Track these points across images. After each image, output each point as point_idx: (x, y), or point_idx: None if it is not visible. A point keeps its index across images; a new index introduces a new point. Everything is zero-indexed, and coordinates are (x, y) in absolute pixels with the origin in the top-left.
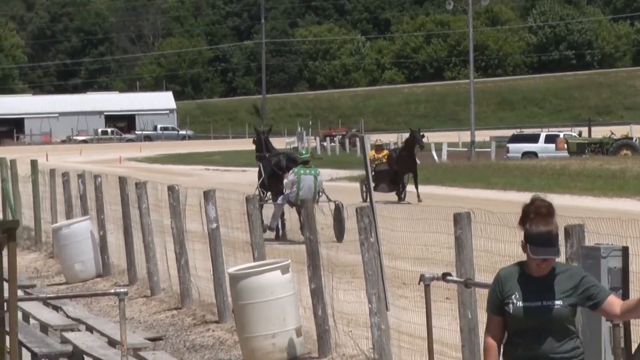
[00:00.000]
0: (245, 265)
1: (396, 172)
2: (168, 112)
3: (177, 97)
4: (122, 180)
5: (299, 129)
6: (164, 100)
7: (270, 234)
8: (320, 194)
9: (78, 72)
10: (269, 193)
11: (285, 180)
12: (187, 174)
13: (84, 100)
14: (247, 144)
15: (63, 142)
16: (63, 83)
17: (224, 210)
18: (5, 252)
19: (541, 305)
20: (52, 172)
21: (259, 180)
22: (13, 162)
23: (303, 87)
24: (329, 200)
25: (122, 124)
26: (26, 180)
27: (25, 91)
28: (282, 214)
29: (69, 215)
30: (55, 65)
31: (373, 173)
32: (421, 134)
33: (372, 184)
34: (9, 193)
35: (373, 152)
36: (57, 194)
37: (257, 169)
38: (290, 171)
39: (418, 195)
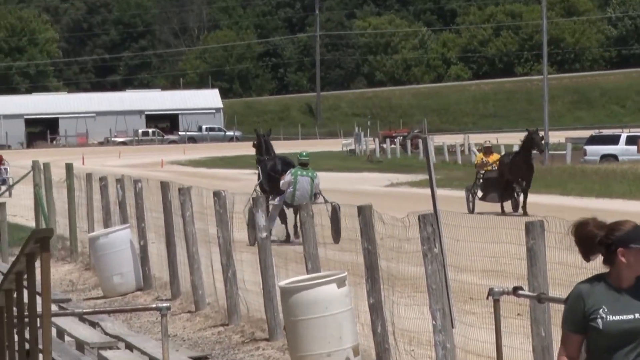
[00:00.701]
0: (298, 278)
1: (507, 181)
2: (214, 111)
3: (224, 95)
4: (164, 186)
5: (356, 130)
6: (210, 98)
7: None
8: (318, 196)
9: (117, 68)
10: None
11: (282, 181)
12: (234, 178)
13: (123, 98)
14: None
15: (100, 144)
16: (101, 80)
17: None
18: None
19: (634, 319)
20: (89, 176)
21: (257, 182)
22: (47, 165)
23: (361, 84)
24: (326, 202)
25: (164, 125)
26: (61, 185)
27: (59, 89)
28: (285, 216)
29: (106, 223)
30: (92, 60)
31: (481, 180)
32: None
33: (435, 192)
34: (42, 199)
35: (481, 155)
36: (94, 201)
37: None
38: (288, 171)
39: (524, 207)
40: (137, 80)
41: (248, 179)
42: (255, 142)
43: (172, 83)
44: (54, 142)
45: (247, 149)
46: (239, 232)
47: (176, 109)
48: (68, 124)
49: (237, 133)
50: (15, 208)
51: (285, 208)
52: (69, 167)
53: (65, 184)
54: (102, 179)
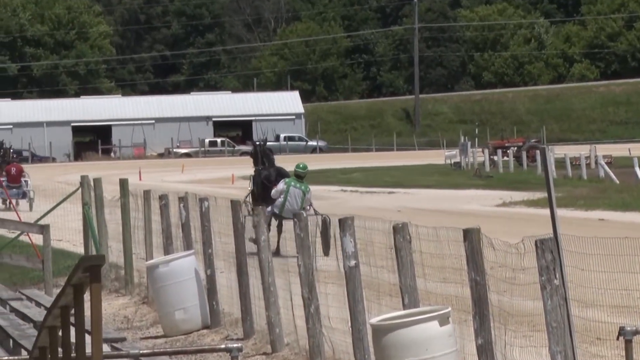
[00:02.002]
0: (392, 315)
1: None
2: (294, 117)
3: (306, 98)
4: (235, 205)
5: (462, 139)
6: (289, 102)
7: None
8: (308, 208)
9: (180, 67)
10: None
11: (274, 189)
12: (318, 196)
13: (187, 102)
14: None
15: (160, 155)
16: (160, 81)
17: (365, 243)
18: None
19: None
20: (147, 194)
21: (248, 193)
22: (97, 181)
23: (467, 86)
24: (317, 214)
25: (235, 133)
26: (114, 204)
27: (113, 91)
28: (281, 228)
29: (167, 249)
30: (150, 58)
31: None
32: None
33: (555, 213)
34: (92, 221)
35: None
36: (153, 223)
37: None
38: (282, 180)
39: None
40: (203, 81)
41: (335, 197)
42: (251, 152)
43: (245, 84)
44: (106, 154)
45: (333, 161)
46: (324, 259)
47: (249, 114)
48: (122, 132)
49: (322, 143)
50: (60, 231)
51: (277, 218)
52: (123, 183)
53: (119, 203)
54: (162, 197)
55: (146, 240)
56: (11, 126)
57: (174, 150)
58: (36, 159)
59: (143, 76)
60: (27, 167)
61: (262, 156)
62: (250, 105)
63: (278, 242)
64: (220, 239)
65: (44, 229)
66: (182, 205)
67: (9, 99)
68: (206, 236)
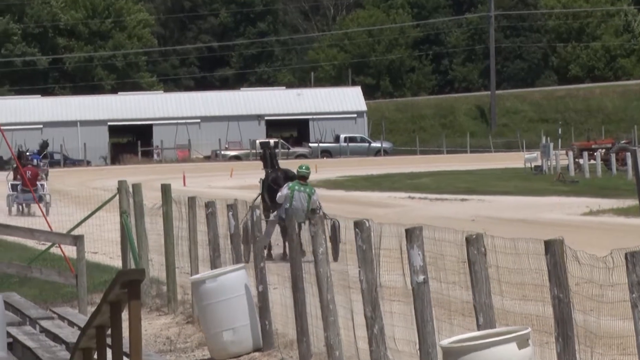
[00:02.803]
0: (465, 336)
1: None
2: (355, 115)
3: (369, 94)
4: (290, 215)
5: (544, 140)
6: (350, 98)
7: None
8: (319, 211)
9: (228, 59)
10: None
11: (279, 194)
12: (382, 204)
13: (237, 99)
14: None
15: (207, 158)
16: (207, 75)
17: (435, 256)
18: (125, 315)
19: None
20: (192, 201)
21: (256, 197)
22: (137, 187)
23: (549, 81)
24: (326, 217)
25: (290, 133)
26: (155, 213)
27: (154, 87)
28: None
29: (215, 262)
30: (196, 50)
31: None
32: None
33: None
34: (130, 231)
35: None
36: (199, 233)
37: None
38: (285, 185)
39: None
40: (254, 76)
41: (401, 205)
42: (262, 154)
43: (301, 79)
44: (147, 156)
45: (399, 164)
46: (389, 274)
47: (306, 112)
48: (164, 132)
49: (386, 145)
50: (96, 243)
51: (283, 222)
52: (165, 190)
53: (161, 212)
54: (209, 205)
55: (191, 252)
56: (41, 126)
57: (222, 152)
58: (69, 162)
59: (187, 70)
60: (59, 172)
61: (272, 158)
62: (307, 103)
63: (284, 246)
64: (273, 250)
65: (77, 240)
66: (230, 213)
67: (39, 96)
68: (257, 248)
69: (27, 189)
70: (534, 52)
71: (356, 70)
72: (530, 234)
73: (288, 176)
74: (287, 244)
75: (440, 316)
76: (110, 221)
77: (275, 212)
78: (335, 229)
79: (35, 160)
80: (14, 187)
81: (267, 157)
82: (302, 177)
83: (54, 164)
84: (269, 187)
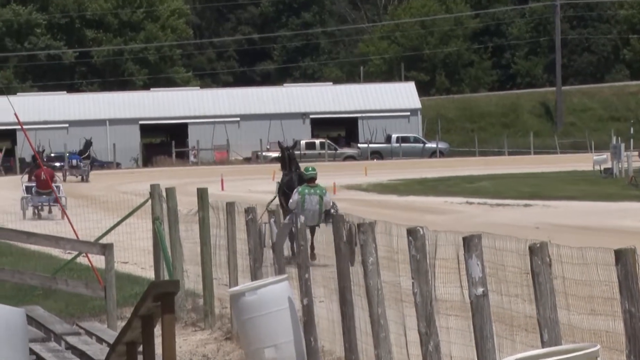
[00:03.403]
0: (528, 354)
1: None
2: (408, 113)
3: (423, 90)
4: (337, 221)
5: (614, 140)
6: (403, 95)
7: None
8: (334, 212)
9: (270, 52)
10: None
11: (290, 200)
12: (438, 210)
13: (279, 95)
14: (533, 164)
15: (246, 160)
16: (247, 70)
17: (495, 267)
18: (158, 330)
19: None
20: (230, 207)
21: (271, 200)
22: (171, 191)
23: (620, 75)
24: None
25: (337, 133)
26: (190, 219)
27: (189, 82)
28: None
29: (255, 273)
30: (235, 42)
31: None
32: None
33: None
34: (164, 240)
35: None
36: (238, 241)
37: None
38: (295, 190)
39: None
40: (298, 71)
41: (459, 211)
42: (280, 156)
43: (349, 74)
44: (182, 158)
45: (457, 167)
46: (445, 286)
47: (354, 110)
48: (201, 132)
49: (442, 145)
50: (126, 252)
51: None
52: (202, 194)
53: (197, 218)
54: (249, 211)
55: (229, 262)
56: (67, 125)
57: (263, 153)
58: (97, 164)
59: (226, 64)
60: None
61: (290, 160)
62: (356, 100)
63: (310, 247)
64: (319, 260)
65: (106, 249)
66: (272, 220)
67: (65, 92)
68: (302, 258)
69: (42, 191)
70: (604, 44)
71: (409, 64)
72: (599, 242)
73: (302, 178)
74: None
75: (501, 332)
76: (142, 228)
77: (289, 216)
78: (351, 231)
79: (74, 161)
80: (28, 189)
81: (286, 158)
82: (311, 180)
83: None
84: (283, 191)
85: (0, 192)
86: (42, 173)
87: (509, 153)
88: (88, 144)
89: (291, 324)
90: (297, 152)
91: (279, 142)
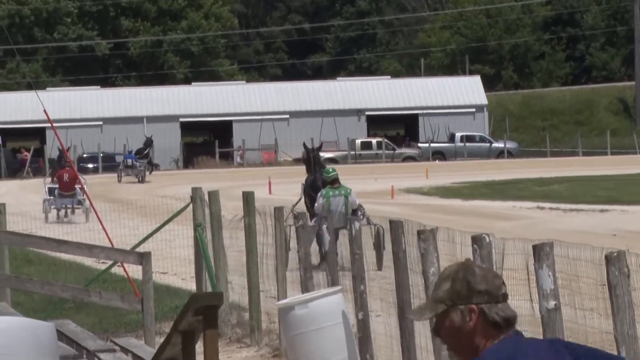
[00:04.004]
0: None
1: None
2: (473, 110)
3: (489, 84)
4: (396, 227)
5: None
6: (467, 90)
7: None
8: (361, 216)
9: (322, 44)
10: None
11: (316, 205)
12: (505, 215)
13: (333, 90)
14: (610, 165)
15: (297, 161)
16: (296, 62)
17: (568, 277)
18: (199, 347)
19: None
20: (279, 212)
21: (295, 202)
22: (214, 195)
23: None
24: (369, 223)
25: (396, 131)
26: (235, 226)
27: (234, 76)
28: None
29: (306, 284)
30: (284, 32)
31: None
32: None
33: None
34: (206, 248)
35: None
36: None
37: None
38: (319, 194)
39: None
40: (353, 63)
41: (528, 217)
42: (304, 157)
43: (409, 67)
44: (226, 159)
45: (526, 168)
46: (513, 299)
47: (414, 107)
48: (247, 130)
49: (511, 145)
50: (165, 261)
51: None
52: (248, 198)
53: (243, 224)
54: (299, 217)
55: (278, 273)
56: (100, 122)
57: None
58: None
59: (274, 56)
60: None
61: (315, 162)
62: (416, 95)
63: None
64: (376, 271)
65: (143, 259)
66: (325, 226)
67: (98, 87)
68: (357, 268)
69: (65, 193)
70: None
71: (473, 56)
72: None
73: (325, 182)
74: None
75: None
76: (183, 236)
77: (315, 218)
78: (379, 236)
79: (129, 161)
80: (50, 191)
81: (310, 160)
82: (334, 181)
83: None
84: (308, 194)
85: (28, 196)
86: (65, 174)
87: (583, 153)
88: (148, 142)
89: (345, 340)
90: (352, 153)
91: (304, 144)
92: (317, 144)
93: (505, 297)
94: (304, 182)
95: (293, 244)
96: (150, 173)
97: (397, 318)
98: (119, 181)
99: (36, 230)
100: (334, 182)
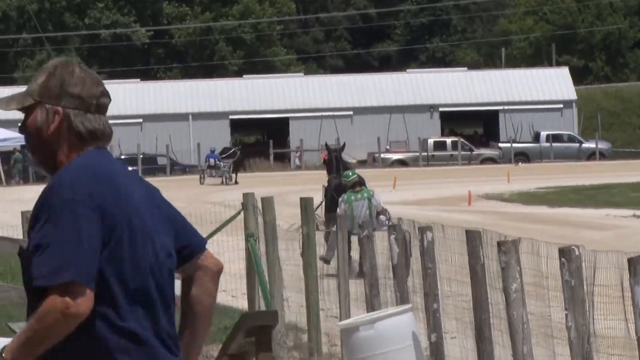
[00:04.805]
0: None
1: None
2: (561, 106)
3: (578, 78)
4: (473, 238)
5: None
6: (554, 83)
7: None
8: (387, 221)
9: (390, 32)
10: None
11: (338, 210)
12: (597, 225)
13: (402, 84)
14: None
15: (361, 163)
16: (361, 52)
17: None
18: None
19: None
20: (341, 220)
21: (318, 205)
22: (268, 202)
23: None
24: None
25: (474, 130)
26: (292, 236)
27: (291, 67)
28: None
29: (372, 302)
30: (346, 19)
31: None
32: None
33: None
34: (259, 261)
35: None
36: (352, 263)
37: None
38: (340, 198)
39: None
40: (425, 53)
41: (622, 226)
42: (325, 159)
43: (488, 57)
44: (282, 160)
45: (621, 171)
46: (605, 319)
47: (494, 102)
48: (305, 128)
49: (603, 145)
50: None
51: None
52: (306, 205)
53: (300, 234)
54: (364, 226)
55: (340, 289)
56: (140, 120)
57: (382, 155)
58: (177, 169)
59: (335, 45)
60: (163, 181)
61: (338, 163)
62: (496, 89)
63: (359, 263)
64: (451, 287)
65: None
66: (392, 237)
67: (138, 80)
68: (430, 284)
69: None
70: None
71: (560, 46)
72: None
73: (346, 184)
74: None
75: None
76: (233, 247)
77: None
78: (405, 242)
79: (213, 161)
80: None
81: (333, 161)
82: (355, 185)
83: (158, 171)
84: (331, 196)
85: None
86: None
87: None
88: (238, 143)
89: None
90: (423, 154)
91: (326, 144)
92: (385, 143)
93: (100, 109)
94: (325, 185)
95: (320, 251)
96: (235, 175)
97: (474, 340)
98: (201, 183)
99: None
100: (355, 185)
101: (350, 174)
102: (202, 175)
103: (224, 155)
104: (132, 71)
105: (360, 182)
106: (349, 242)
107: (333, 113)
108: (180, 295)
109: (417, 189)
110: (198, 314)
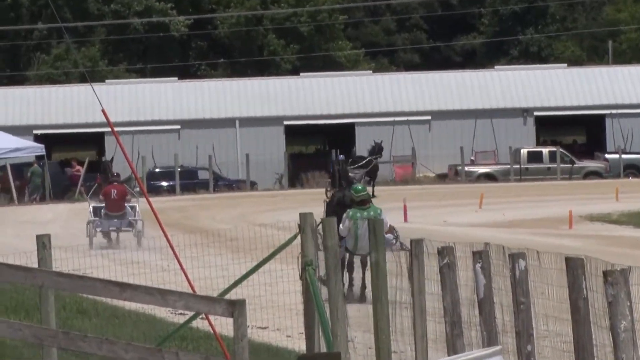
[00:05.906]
0: None
1: None
2: None
3: None
4: (574, 267)
5: None
6: None
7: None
8: (394, 240)
9: (474, 22)
10: None
11: (341, 226)
12: None
13: (489, 83)
14: None
15: (441, 177)
16: (440, 46)
17: None
18: None
19: None
20: (417, 246)
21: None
22: (329, 224)
23: None
24: (403, 248)
25: (573, 138)
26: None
27: (357, 63)
28: (352, 266)
29: (454, 343)
30: (422, 6)
31: None
32: None
33: None
34: (319, 294)
35: None
36: (428, 297)
37: None
38: (345, 214)
39: None
40: (515, 47)
41: None
42: (330, 172)
43: (591, 51)
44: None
45: None
46: None
47: (599, 105)
48: (374, 136)
49: None
50: (265, 311)
51: (351, 256)
52: (375, 227)
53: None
54: (445, 252)
55: (415, 327)
56: (178, 126)
57: (466, 168)
58: (222, 184)
59: (409, 36)
60: (205, 199)
61: (341, 177)
62: (602, 89)
63: (361, 286)
64: (547, 326)
65: (235, 308)
66: (478, 265)
67: (175, 78)
68: (523, 322)
69: (112, 213)
70: None
71: None
72: None
73: (353, 200)
74: (352, 277)
75: None
76: (288, 278)
77: (340, 243)
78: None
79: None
80: (95, 211)
81: (336, 174)
82: (362, 202)
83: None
84: (334, 211)
85: (80, 224)
86: (113, 190)
87: None
88: (377, 148)
89: None
90: (515, 167)
91: (334, 155)
92: (470, 154)
93: None
94: (325, 200)
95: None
96: (372, 188)
97: None
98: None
99: (91, 269)
100: (364, 202)
101: (360, 188)
102: (327, 188)
103: (354, 166)
104: (168, 68)
105: (369, 200)
106: (351, 263)
107: (407, 118)
108: None
109: (508, 208)
110: None
